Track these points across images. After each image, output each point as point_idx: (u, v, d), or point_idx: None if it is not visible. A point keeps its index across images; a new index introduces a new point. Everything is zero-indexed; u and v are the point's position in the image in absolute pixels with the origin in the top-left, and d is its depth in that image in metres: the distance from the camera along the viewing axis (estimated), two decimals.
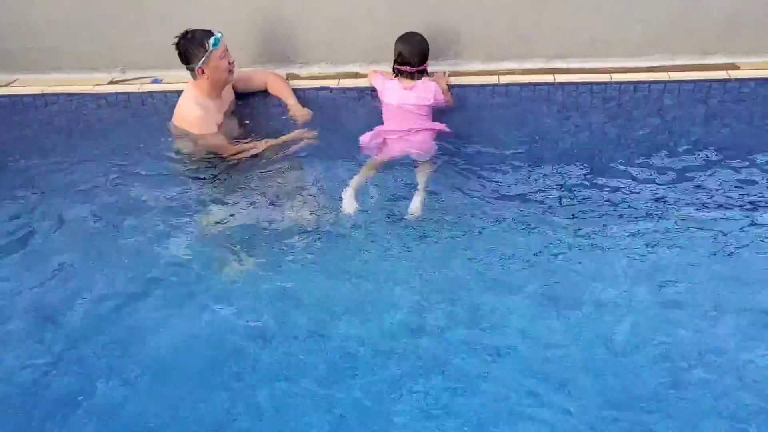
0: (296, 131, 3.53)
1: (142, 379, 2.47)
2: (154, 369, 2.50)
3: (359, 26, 3.86)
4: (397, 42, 3.49)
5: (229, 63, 3.41)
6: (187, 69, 3.38)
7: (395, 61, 3.52)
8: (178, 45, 3.33)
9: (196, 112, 3.41)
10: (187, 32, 3.32)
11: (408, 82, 3.50)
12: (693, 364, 2.37)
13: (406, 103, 3.45)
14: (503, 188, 3.20)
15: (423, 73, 3.53)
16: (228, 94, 3.66)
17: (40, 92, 4.03)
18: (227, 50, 3.40)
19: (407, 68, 3.48)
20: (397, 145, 3.43)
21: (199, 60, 3.31)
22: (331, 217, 3.11)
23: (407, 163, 3.36)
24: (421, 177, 3.27)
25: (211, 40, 3.29)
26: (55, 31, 4.07)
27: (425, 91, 3.46)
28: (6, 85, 4.13)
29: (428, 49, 3.51)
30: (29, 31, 4.08)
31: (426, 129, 3.44)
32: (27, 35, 4.09)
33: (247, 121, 3.68)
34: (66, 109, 3.99)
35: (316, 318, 2.65)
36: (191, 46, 3.30)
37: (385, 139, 3.46)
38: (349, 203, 3.13)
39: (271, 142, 3.48)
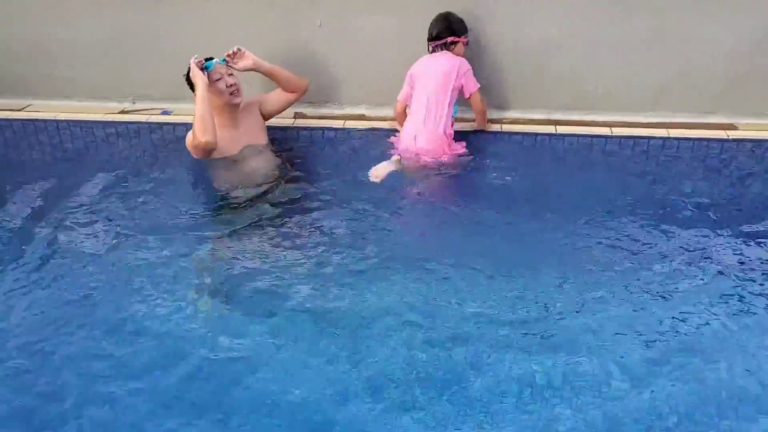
0: None
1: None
2: (151, 390, 2.46)
3: (367, 69, 3.96)
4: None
5: (228, 86, 3.43)
6: None
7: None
8: (186, 75, 3.44)
9: (187, 140, 3.44)
10: None
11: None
12: None
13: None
14: (495, 235, 3.22)
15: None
16: (254, 129, 3.65)
17: (52, 118, 4.13)
18: (229, 74, 3.45)
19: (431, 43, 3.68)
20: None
21: None
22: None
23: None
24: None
25: (205, 64, 3.39)
26: (70, 59, 4.20)
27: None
28: (20, 110, 4.24)
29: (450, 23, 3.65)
30: (45, 58, 4.21)
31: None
32: (43, 62, 4.23)
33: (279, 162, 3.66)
34: (76, 136, 4.08)
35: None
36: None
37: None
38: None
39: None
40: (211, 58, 3.42)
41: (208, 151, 3.35)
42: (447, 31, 3.62)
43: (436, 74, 3.59)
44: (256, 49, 3.61)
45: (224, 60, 3.44)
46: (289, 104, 3.81)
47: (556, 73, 3.83)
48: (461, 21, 3.65)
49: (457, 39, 3.62)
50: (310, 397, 2.42)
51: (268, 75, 3.65)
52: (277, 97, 3.76)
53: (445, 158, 3.58)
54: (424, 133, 3.57)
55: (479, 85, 3.67)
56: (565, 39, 3.74)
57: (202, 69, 3.37)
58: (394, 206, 3.41)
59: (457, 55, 3.65)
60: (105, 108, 4.21)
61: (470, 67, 3.64)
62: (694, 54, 3.69)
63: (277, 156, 3.67)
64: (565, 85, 3.86)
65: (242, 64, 3.51)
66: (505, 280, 2.93)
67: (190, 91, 3.44)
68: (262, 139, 3.68)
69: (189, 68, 3.41)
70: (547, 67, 3.82)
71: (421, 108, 3.58)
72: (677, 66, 3.73)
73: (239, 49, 3.49)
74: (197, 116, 3.30)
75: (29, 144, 4.09)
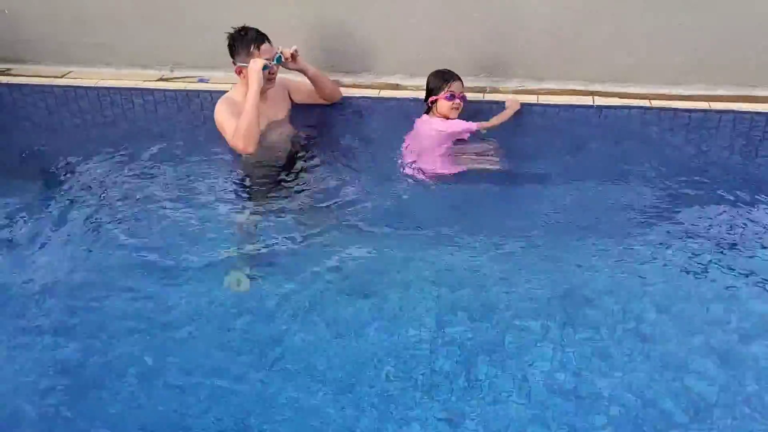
0: None
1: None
2: (171, 359, 2.52)
3: (402, 38, 3.93)
4: None
5: (270, 72, 3.38)
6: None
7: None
8: (230, 36, 3.37)
9: (219, 114, 3.39)
10: (245, 28, 3.35)
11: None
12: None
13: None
14: (531, 206, 3.22)
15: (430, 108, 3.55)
16: (280, 105, 3.62)
17: (92, 85, 4.20)
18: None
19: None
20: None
21: (241, 60, 3.36)
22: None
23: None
24: None
25: (261, 47, 3.33)
26: (109, 27, 4.25)
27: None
28: (61, 76, 4.32)
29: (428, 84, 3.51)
30: (86, 26, 4.27)
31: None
32: (83, 30, 4.28)
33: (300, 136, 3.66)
34: (115, 103, 4.14)
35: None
36: (239, 43, 3.35)
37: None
38: None
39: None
40: (263, 40, 3.36)
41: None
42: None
43: (422, 139, 3.53)
44: (292, 17, 3.62)
45: (280, 58, 3.40)
46: (316, 103, 3.78)
47: (593, 43, 3.76)
48: (438, 78, 3.46)
49: (434, 98, 3.48)
50: (340, 363, 2.46)
51: (310, 79, 3.63)
52: (307, 91, 3.73)
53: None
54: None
55: (472, 126, 3.46)
56: (602, 8, 3.66)
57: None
58: (420, 178, 3.40)
59: (441, 113, 3.48)
60: (144, 75, 4.26)
61: (453, 128, 3.46)
62: (736, 23, 3.59)
63: (300, 129, 3.66)
64: (602, 55, 3.79)
65: (292, 65, 3.51)
66: (538, 250, 2.93)
67: (230, 57, 3.40)
68: (283, 113, 3.64)
69: (232, 35, 3.35)
70: (584, 38, 3.75)
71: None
72: (718, 36, 3.63)
73: (296, 50, 3.48)
74: (246, 122, 3.22)
75: (70, 110, 4.18)
